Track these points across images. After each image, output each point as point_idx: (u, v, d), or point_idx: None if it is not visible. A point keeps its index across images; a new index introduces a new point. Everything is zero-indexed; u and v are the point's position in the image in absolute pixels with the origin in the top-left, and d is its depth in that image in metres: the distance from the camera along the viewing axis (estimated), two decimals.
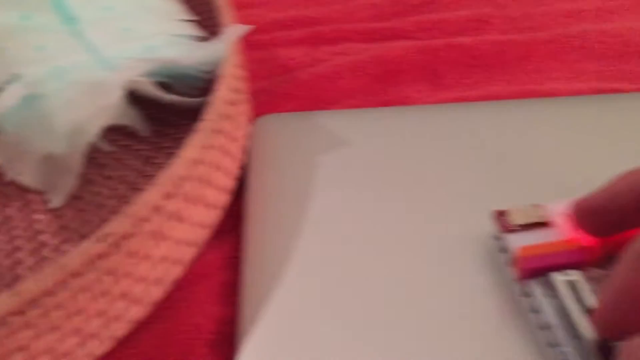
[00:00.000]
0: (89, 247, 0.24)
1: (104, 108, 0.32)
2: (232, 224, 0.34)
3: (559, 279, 0.25)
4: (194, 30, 0.39)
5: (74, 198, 0.33)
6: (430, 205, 0.32)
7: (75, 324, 0.24)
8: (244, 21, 0.49)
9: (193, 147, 0.28)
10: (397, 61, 0.43)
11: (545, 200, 0.28)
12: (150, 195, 0.26)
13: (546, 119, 0.38)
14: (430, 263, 0.30)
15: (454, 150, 0.35)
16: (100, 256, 0.24)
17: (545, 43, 0.45)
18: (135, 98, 0.37)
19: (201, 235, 0.30)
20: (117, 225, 0.25)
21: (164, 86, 0.37)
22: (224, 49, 0.34)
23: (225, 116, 0.32)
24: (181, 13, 0.40)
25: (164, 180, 0.27)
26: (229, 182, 0.33)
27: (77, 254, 0.24)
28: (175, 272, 0.29)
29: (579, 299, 0.25)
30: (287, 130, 0.37)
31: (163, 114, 0.40)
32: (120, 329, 0.26)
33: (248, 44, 0.47)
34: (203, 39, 0.38)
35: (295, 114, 0.39)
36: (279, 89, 0.42)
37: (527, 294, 0.26)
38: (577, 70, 0.43)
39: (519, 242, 0.27)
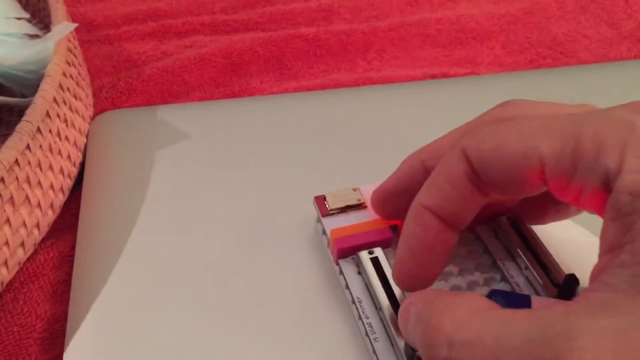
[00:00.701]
0: None
1: None
2: (70, 223, 0.34)
3: (364, 256, 0.27)
4: (26, 29, 0.38)
5: None
6: (264, 192, 0.34)
7: None
8: (93, 16, 0.49)
9: (9, 149, 0.28)
10: (243, 53, 0.44)
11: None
12: None
13: (383, 104, 0.40)
14: (261, 248, 0.31)
15: (292, 138, 0.37)
16: None
17: (386, 31, 0.47)
18: None
19: (30, 236, 0.30)
20: None
21: None
22: (50, 48, 0.33)
23: (52, 115, 0.32)
24: (12, 10, 0.39)
25: None
26: (62, 182, 0.33)
27: None
28: (2, 275, 0.29)
29: (382, 275, 0.27)
30: (125, 126, 0.37)
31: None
32: None
33: (97, 39, 0.47)
34: (33, 37, 0.37)
35: (137, 109, 0.39)
36: (123, 84, 0.42)
37: (341, 272, 0.28)
38: (415, 57, 0.46)
39: (333, 224, 0.29)
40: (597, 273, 0.19)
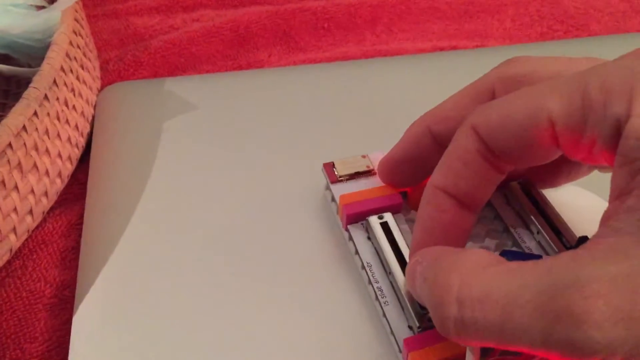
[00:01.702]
0: None
1: None
2: (79, 193, 0.34)
3: (374, 221, 0.27)
4: (32, 0, 0.38)
5: None
6: (273, 161, 0.33)
7: None
8: None
9: (17, 115, 0.28)
10: (251, 26, 0.44)
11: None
12: None
13: (392, 76, 0.39)
14: (271, 216, 0.31)
15: (300, 109, 0.37)
16: None
17: (394, 4, 0.46)
18: None
19: (38, 203, 0.30)
20: None
21: (4, 57, 0.36)
22: (56, 17, 0.33)
23: (59, 83, 0.32)
24: None
25: None
26: (70, 151, 0.33)
27: None
28: (11, 242, 0.29)
29: (392, 239, 0.27)
30: (133, 97, 0.37)
31: (6, 86, 0.39)
32: None
33: (104, 13, 0.47)
34: (40, 9, 0.37)
35: (144, 81, 0.39)
36: (131, 57, 0.42)
37: (350, 238, 0.28)
38: (424, 30, 0.45)
39: (343, 191, 0.29)
40: (605, 219, 0.19)
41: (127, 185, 0.32)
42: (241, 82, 0.38)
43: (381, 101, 0.37)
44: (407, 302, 0.24)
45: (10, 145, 0.27)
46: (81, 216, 0.32)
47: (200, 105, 0.36)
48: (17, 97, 0.38)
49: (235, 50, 0.43)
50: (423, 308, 0.24)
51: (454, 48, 0.43)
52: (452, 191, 0.23)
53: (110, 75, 0.40)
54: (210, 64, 0.43)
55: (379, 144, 0.32)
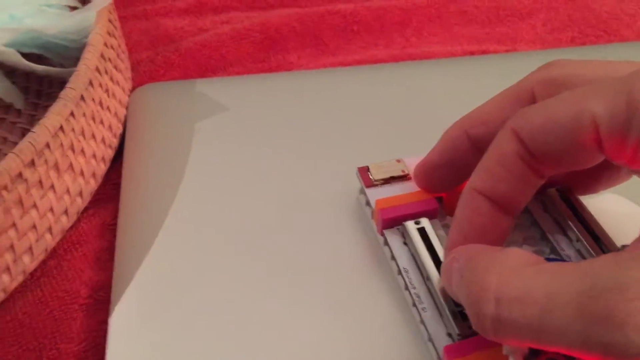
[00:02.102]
0: None
1: None
2: (112, 193, 0.34)
3: (410, 226, 0.27)
4: (66, 0, 0.38)
5: None
6: (305, 164, 0.33)
7: None
8: None
9: (55, 115, 0.28)
10: (280, 28, 0.44)
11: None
12: (11, 163, 0.26)
13: (422, 80, 0.39)
14: (304, 220, 0.31)
15: (331, 112, 0.36)
16: None
17: (424, 7, 0.46)
18: (9, 71, 0.37)
19: (73, 203, 0.30)
20: None
21: (37, 57, 0.36)
22: (91, 18, 0.33)
23: (94, 84, 0.32)
24: None
25: (24, 148, 0.27)
26: (104, 151, 0.33)
27: None
28: (46, 241, 0.29)
29: (429, 245, 0.26)
30: (165, 98, 0.37)
31: (38, 86, 0.39)
32: None
33: (133, 14, 0.47)
34: (73, 9, 0.37)
35: (175, 82, 0.39)
36: (161, 58, 0.42)
37: (386, 243, 0.28)
38: (454, 33, 0.45)
39: (378, 195, 0.29)
40: None
41: (160, 185, 0.32)
42: (272, 85, 0.38)
43: (412, 105, 0.37)
44: (442, 300, 0.24)
45: (48, 145, 0.28)
46: (115, 217, 0.32)
47: (231, 107, 0.36)
48: (49, 97, 0.39)
49: (265, 52, 0.43)
50: (458, 306, 0.24)
51: (484, 52, 0.43)
52: (491, 194, 0.23)
53: (141, 77, 0.40)
54: (240, 65, 0.43)
55: (409, 147, 0.32)
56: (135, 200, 0.31)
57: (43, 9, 0.36)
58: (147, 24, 0.45)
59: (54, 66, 0.37)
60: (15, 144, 0.35)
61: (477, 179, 0.23)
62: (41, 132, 0.27)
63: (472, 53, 0.43)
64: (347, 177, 0.31)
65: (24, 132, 0.36)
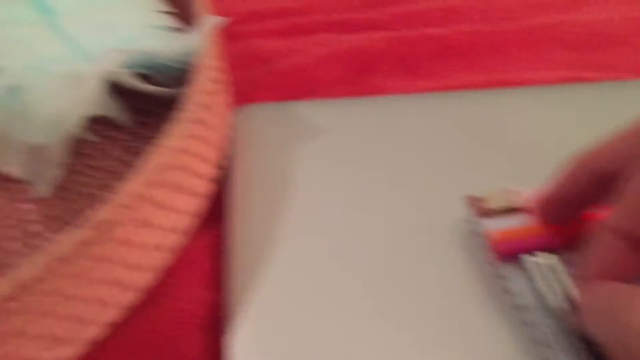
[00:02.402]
0: (76, 234, 0.24)
1: (83, 99, 0.32)
2: (216, 213, 0.34)
3: (530, 260, 0.27)
4: (170, 22, 0.39)
5: (60, 188, 0.33)
6: (409, 192, 0.33)
7: (67, 310, 0.25)
8: (219, 13, 0.50)
9: (175, 136, 0.29)
10: (373, 51, 0.44)
11: (517, 186, 0.30)
12: (134, 183, 0.27)
13: (517, 107, 0.39)
14: (411, 249, 0.31)
15: (429, 139, 0.36)
16: (88, 243, 0.25)
17: (516, 33, 0.46)
18: (115, 89, 0.37)
19: (187, 222, 0.31)
20: (102, 212, 0.25)
21: (142, 77, 0.37)
22: (200, 40, 0.34)
23: (205, 106, 0.32)
24: (157, 4, 0.40)
25: (148, 168, 0.27)
26: (211, 171, 0.33)
27: (65, 241, 0.24)
28: (162, 258, 0.29)
29: (551, 281, 0.26)
30: (268, 119, 0.37)
31: (142, 104, 0.40)
32: (111, 315, 0.27)
33: (225, 35, 0.48)
34: (179, 31, 0.38)
35: (276, 104, 0.39)
36: (257, 79, 0.42)
37: (501, 276, 0.28)
38: (547, 59, 0.45)
39: (494, 226, 0.28)
40: None
41: (268, 206, 0.32)
42: (370, 108, 0.39)
43: (510, 133, 0.37)
44: (575, 338, 0.24)
45: (170, 165, 0.28)
46: (223, 236, 0.32)
47: (332, 130, 0.37)
48: (157, 116, 0.39)
49: (357, 75, 0.43)
50: (588, 344, 0.23)
51: (580, 79, 0.42)
52: (628, 232, 0.23)
53: (240, 96, 0.41)
54: (332, 88, 0.43)
55: (512, 176, 0.32)
56: (244, 221, 0.32)
57: (150, 30, 0.37)
58: (240, 44, 0.46)
59: (159, 86, 0.38)
60: (124, 161, 0.36)
61: (615, 219, 0.23)
62: (164, 153, 0.28)
63: (567, 80, 0.42)
64: (451, 205, 0.31)
65: (129, 149, 0.37)
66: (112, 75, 0.33)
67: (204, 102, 0.32)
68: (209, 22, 0.35)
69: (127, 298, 0.28)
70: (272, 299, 0.28)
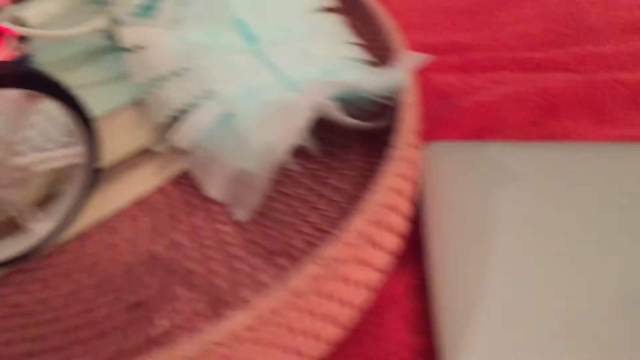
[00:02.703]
0: (308, 269, 0.25)
1: (293, 129, 0.33)
2: (410, 252, 0.34)
3: None
4: (363, 54, 0.39)
5: (257, 213, 0.34)
6: (611, 243, 0.32)
7: (290, 342, 0.25)
8: None
9: (389, 175, 0.29)
10: (561, 94, 0.43)
11: None
12: (359, 221, 0.27)
13: None
14: (624, 305, 0.29)
15: (620, 191, 0.35)
16: (317, 278, 0.25)
17: None
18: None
19: (389, 260, 0.31)
20: (331, 249, 0.25)
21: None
22: (403, 76, 0.34)
23: (413, 145, 0.32)
24: (350, 36, 0.41)
25: (369, 207, 0.27)
26: (410, 208, 0.33)
27: (297, 276, 0.24)
28: (367, 296, 0.29)
29: None
30: (457, 158, 0.37)
31: (328, 133, 0.41)
32: (321, 349, 0.27)
33: None
34: (374, 64, 0.39)
35: (464, 142, 0.39)
36: (439, 115, 0.42)
37: None
38: None
39: None
40: None
41: (466, 245, 0.32)
42: (559, 154, 0.37)
43: None
44: None
45: (384, 204, 0.28)
46: (421, 276, 0.32)
47: (520, 172, 0.36)
48: (340, 145, 0.40)
49: (544, 117, 0.42)
50: None
51: None
52: None
53: (425, 132, 0.41)
54: (518, 129, 0.42)
55: None
56: (445, 261, 0.31)
57: (349, 62, 0.38)
58: (417, 78, 0.46)
59: (349, 116, 0.38)
60: (313, 190, 0.36)
61: None
62: (381, 191, 0.28)
63: None
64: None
65: (318, 179, 0.37)
66: (321, 106, 0.33)
67: (412, 141, 0.32)
68: (410, 59, 0.35)
69: (337, 334, 0.28)
70: (488, 342, 0.28)
